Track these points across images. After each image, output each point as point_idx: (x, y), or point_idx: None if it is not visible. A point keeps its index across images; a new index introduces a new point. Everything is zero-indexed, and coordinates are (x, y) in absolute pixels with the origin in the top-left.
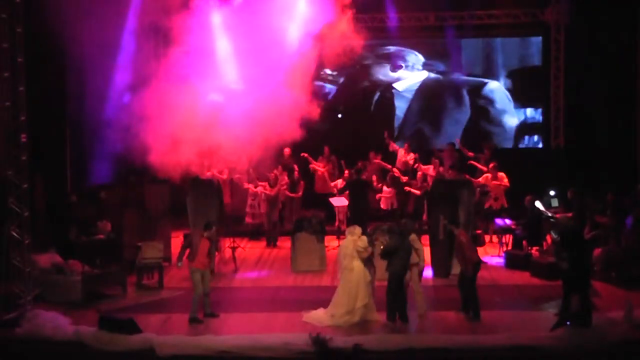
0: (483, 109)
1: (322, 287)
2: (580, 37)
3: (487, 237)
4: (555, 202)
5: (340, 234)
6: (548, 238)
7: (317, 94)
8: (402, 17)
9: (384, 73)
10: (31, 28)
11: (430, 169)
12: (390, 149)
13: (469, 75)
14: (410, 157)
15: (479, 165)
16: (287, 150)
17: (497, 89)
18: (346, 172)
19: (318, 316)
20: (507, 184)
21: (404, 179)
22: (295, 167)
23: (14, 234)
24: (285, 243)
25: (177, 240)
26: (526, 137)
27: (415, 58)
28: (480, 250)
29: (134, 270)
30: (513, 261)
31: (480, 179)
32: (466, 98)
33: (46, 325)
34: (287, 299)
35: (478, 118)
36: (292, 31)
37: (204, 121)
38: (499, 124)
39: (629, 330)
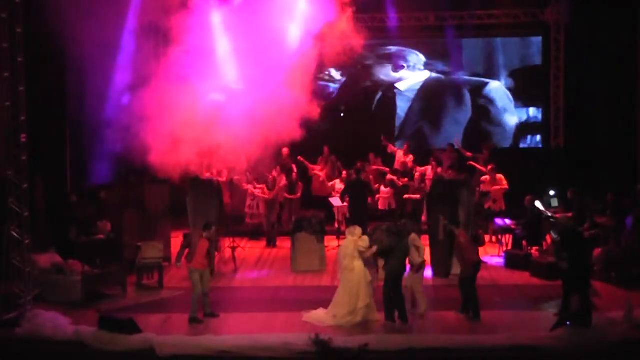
0: (484, 108)
1: (322, 287)
2: (580, 37)
3: (487, 237)
4: (555, 202)
5: (340, 234)
6: (548, 238)
7: (321, 94)
8: (402, 17)
9: (385, 73)
10: (31, 28)
11: (428, 170)
12: (389, 150)
13: (470, 75)
14: (409, 158)
15: (478, 166)
16: (285, 150)
17: (497, 88)
18: (344, 172)
19: (319, 316)
20: (507, 187)
21: (400, 183)
22: (294, 167)
23: (14, 234)
24: (285, 243)
25: (177, 240)
26: (528, 137)
27: (417, 58)
28: (480, 250)
29: (134, 270)
30: (513, 261)
31: (480, 187)
32: (467, 98)
33: (46, 325)
34: (287, 299)
35: (479, 118)
36: (292, 31)
37: (204, 121)
38: (500, 124)
39: (629, 330)
